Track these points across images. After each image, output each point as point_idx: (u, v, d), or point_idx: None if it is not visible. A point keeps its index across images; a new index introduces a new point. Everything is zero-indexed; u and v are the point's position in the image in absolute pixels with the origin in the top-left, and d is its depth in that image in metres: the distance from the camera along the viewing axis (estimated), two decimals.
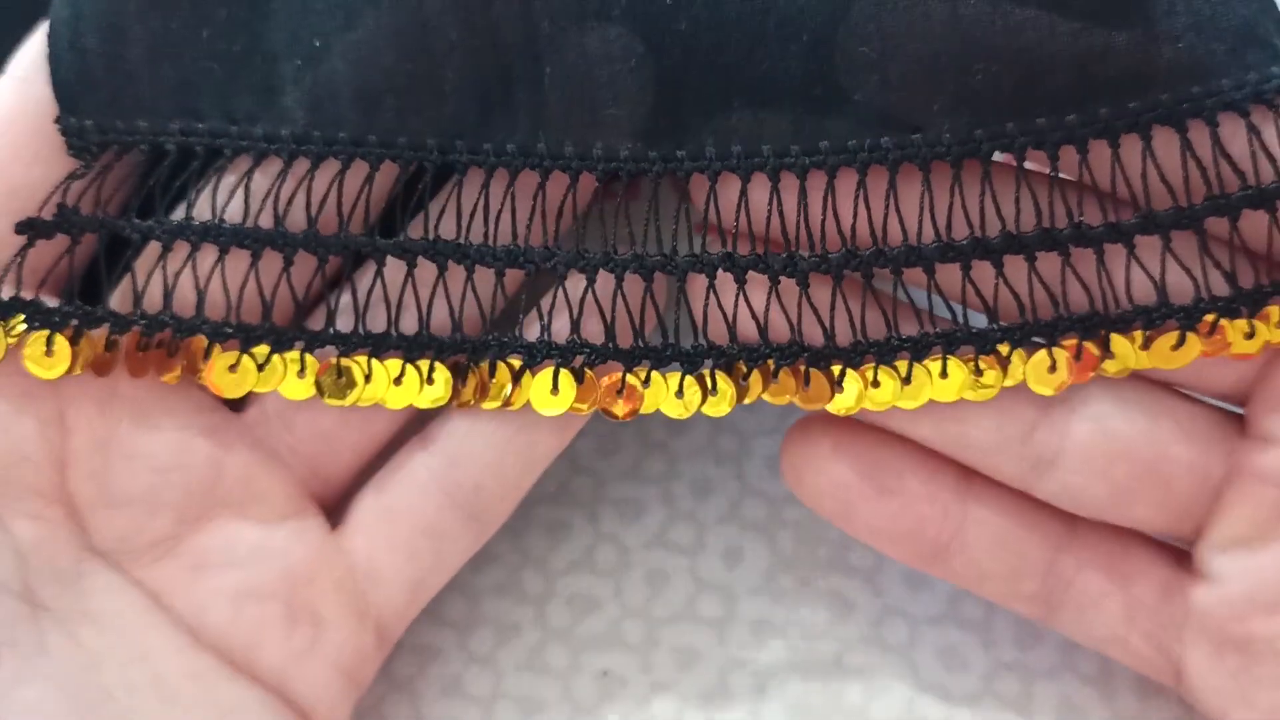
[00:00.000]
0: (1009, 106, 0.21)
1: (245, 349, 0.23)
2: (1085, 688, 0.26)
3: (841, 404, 0.22)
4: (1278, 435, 0.22)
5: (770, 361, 0.22)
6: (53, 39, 0.22)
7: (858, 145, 0.21)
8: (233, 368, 0.23)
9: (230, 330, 0.23)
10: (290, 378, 0.23)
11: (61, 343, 0.22)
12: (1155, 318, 0.22)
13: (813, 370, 0.22)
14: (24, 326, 0.22)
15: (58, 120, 0.22)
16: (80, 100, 0.22)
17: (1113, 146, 0.21)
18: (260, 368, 0.23)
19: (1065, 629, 0.24)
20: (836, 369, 0.22)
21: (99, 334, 0.23)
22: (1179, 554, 0.24)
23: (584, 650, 0.27)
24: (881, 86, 0.21)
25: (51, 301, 0.22)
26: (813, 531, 0.27)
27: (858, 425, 0.24)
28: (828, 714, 0.26)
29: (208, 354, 0.23)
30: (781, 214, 0.22)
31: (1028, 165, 0.21)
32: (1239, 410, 0.23)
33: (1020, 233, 0.22)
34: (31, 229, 0.22)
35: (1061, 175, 0.22)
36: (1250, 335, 0.21)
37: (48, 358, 0.22)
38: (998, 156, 0.22)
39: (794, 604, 0.27)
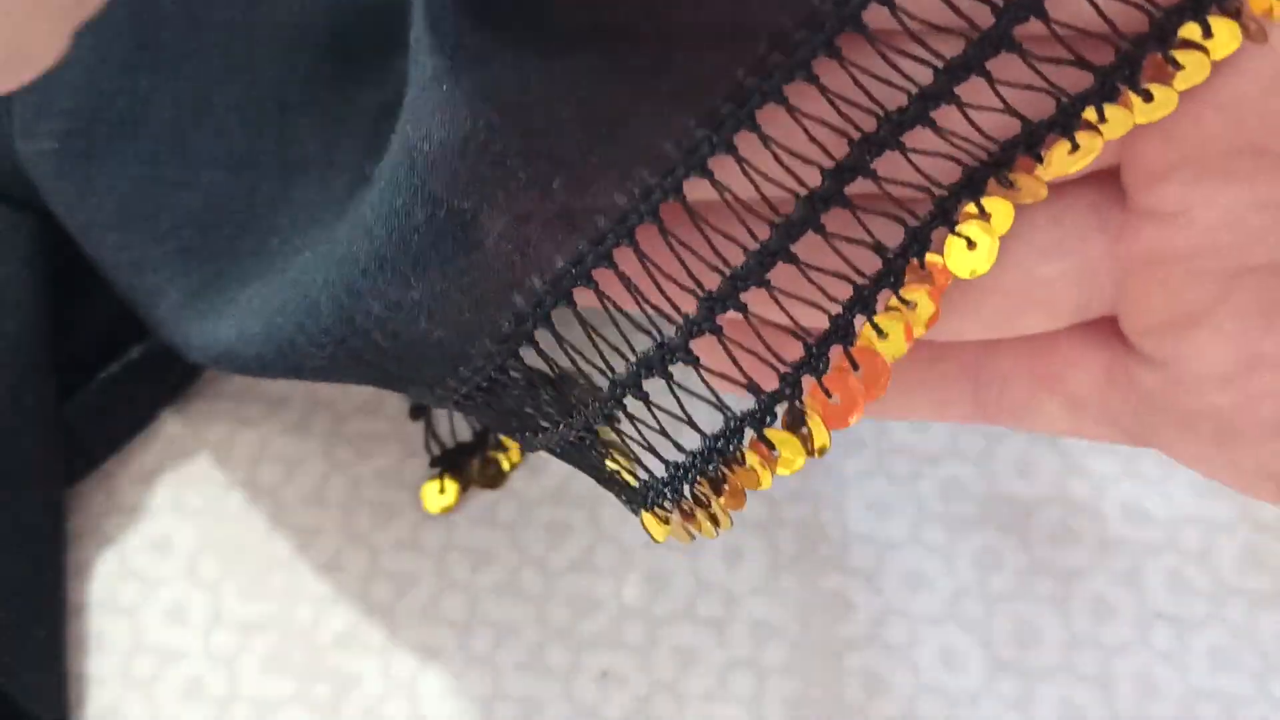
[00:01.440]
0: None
1: None
2: (1085, 688, 0.26)
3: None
4: (1160, 207, 0.18)
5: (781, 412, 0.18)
6: None
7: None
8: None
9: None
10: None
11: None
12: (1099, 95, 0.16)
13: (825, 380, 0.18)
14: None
15: None
16: None
17: None
18: None
19: (1013, 427, 0.22)
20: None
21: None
22: (1117, 330, 0.21)
23: (584, 650, 0.27)
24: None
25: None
26: (813, 531, 0.27)
27: None
28: (828, 714, 0.26)
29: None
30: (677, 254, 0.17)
31: None
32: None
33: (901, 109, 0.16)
34: None
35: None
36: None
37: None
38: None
39: (794, 604, 0.27)
